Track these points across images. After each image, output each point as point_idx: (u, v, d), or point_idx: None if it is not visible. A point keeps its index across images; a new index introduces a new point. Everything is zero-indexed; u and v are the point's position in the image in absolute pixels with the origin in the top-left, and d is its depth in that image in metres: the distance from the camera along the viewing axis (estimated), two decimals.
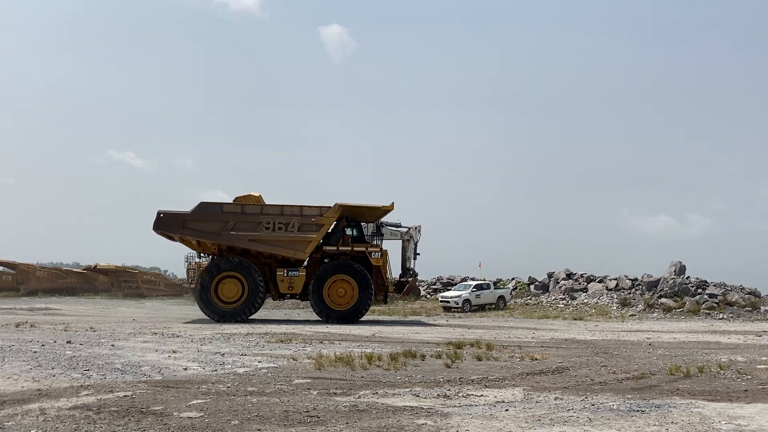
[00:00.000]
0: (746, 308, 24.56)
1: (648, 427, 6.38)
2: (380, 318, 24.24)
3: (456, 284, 35.58)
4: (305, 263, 22.13)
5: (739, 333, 17.84)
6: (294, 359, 11.25)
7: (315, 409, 7.03)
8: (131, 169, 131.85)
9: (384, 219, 37.16)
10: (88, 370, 9.65)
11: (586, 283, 30.73)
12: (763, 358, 11.69)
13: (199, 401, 7.39)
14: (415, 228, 40.36)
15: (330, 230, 22.30)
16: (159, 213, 21.72)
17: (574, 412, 7.00)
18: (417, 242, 40.42)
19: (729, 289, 27.41)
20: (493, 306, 30.48)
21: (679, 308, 24.78)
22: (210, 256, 22.65)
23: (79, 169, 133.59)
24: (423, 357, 11.43)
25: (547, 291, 31.73)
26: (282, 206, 21.66)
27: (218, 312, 20.96)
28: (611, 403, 7.49)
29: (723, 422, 6.56)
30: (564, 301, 28.92)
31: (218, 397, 7.64)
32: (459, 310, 28.95)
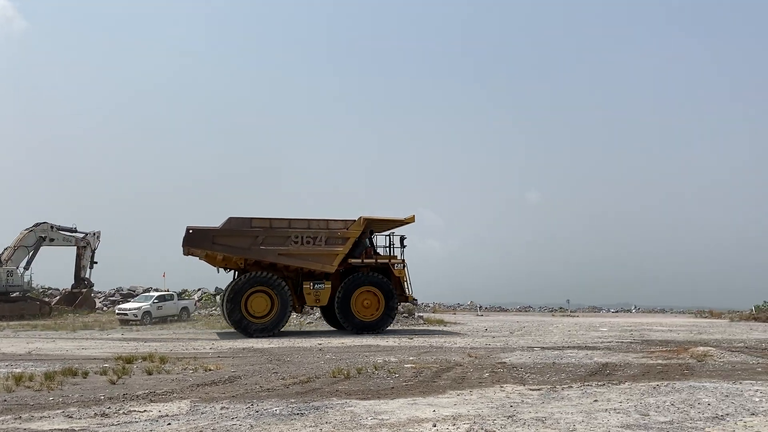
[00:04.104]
0: (404, 314, 27.86)
1: (305, 428, 6.83)
2: (41, 333, 21.62)
3: (138, 295, 33.56)
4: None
5: (396, 336, 20.17)
6: None
7: None
8: None
9: (58, 224, 34.70)
10: None
11: None
12: (411, 358, 13.41)
13: None
14: (93, 234, 36.92)
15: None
16: (188, 229, 20.67)
17: (238, 421, 7.15)
18: (95, 249, 37.02)
19: None
20: (176, 318, 29.50)
21: None
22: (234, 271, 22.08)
23: None
24: (86, 374, 10.53)
25: None
26: (309, 220, 21.67)
27: (249, 327, 20.24)
28: (275, 409, 7.83)
29: (369, 418, 7.35)
30: None
31: None
32: (138, 322, 27.27)
